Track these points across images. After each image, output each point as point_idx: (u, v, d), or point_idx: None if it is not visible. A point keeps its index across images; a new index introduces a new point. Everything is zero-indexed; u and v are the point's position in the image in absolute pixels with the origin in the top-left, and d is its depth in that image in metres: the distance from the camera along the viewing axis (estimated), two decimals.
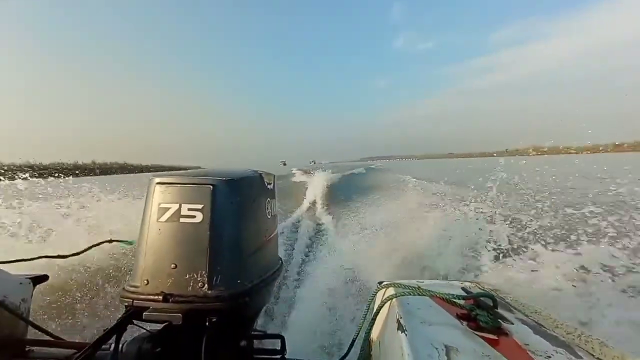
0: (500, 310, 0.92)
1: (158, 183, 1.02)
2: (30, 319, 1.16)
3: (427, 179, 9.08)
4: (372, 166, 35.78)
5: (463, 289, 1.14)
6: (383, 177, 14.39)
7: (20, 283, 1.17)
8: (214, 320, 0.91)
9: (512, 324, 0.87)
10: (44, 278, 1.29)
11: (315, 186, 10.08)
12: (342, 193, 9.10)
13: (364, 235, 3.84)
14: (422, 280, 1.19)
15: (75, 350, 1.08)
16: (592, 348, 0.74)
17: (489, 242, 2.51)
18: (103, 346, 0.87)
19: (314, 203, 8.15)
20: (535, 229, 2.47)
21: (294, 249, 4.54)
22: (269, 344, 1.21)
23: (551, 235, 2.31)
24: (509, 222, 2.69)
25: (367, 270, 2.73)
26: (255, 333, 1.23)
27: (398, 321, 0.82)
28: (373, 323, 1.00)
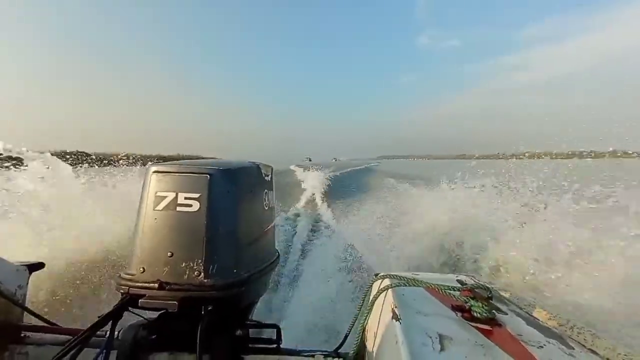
0: (494, 303, 0.93)
1: (155, 172, 1.01)
2: (27, 305, 1.17)
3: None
4: (368, 165, 41.11)
5: (458, 281, 1.15)
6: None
7: (17, 270, 1.17)
8: (210, 308, 0.92)
9: (506, 314, 0.88)
10: (40, 266, 1.28)
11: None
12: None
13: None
14: (417, 273, 1.20)
15: (70, 336, 1.09)
16: (585, 339, 0.75)
17: (491, 236, 2.49)
18: (98, 332, 0.87)
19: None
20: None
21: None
22: (265, 333, 1.22)
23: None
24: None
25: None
26: (251, 322, 1.24)
27: (393, 311, 0.83)
28: (369, 313, 1.00)
